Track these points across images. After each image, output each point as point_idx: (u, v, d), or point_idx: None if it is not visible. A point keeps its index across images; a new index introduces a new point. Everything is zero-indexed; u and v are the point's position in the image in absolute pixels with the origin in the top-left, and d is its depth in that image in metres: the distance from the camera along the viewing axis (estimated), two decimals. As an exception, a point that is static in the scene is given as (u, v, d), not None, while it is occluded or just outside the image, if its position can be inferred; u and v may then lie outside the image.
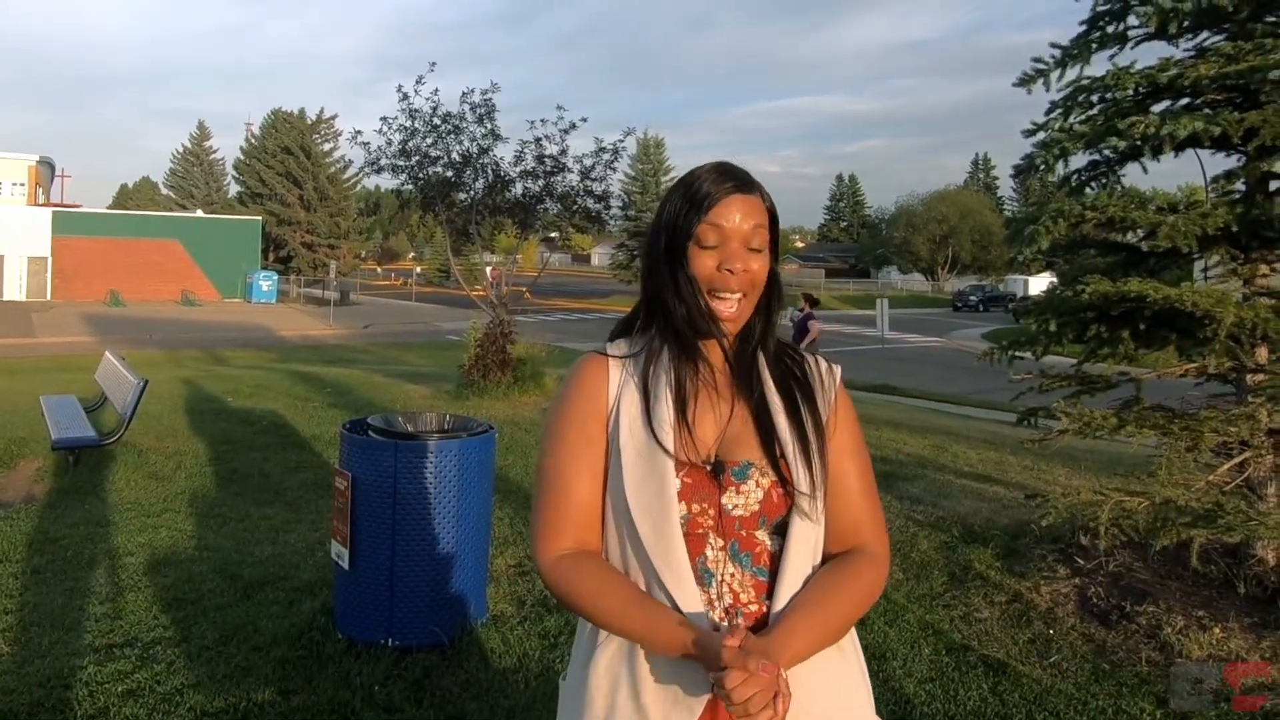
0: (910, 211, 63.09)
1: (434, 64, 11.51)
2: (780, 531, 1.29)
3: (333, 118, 57.11)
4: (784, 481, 1.29)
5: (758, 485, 1.29)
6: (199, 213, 51.41)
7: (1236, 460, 4.14)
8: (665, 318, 1.35)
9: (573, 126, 11.64)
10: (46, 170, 47.94)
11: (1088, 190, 4.97)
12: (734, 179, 1.33)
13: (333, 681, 3.26)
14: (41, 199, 45.42)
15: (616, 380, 1.34)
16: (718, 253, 1.30)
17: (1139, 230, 4.57)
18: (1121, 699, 3.26)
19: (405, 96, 11.38)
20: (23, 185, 43.79)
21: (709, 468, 1.29)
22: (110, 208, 59.10)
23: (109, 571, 4.42)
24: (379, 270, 70.32)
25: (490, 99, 11.58)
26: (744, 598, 1.28)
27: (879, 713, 3.06)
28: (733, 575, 1.27)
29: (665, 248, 1.34)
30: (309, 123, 56.32)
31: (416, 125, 11.55)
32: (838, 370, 1.43)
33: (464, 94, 11.53)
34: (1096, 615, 3.93)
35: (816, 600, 1.27)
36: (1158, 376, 4.66)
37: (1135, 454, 5.59)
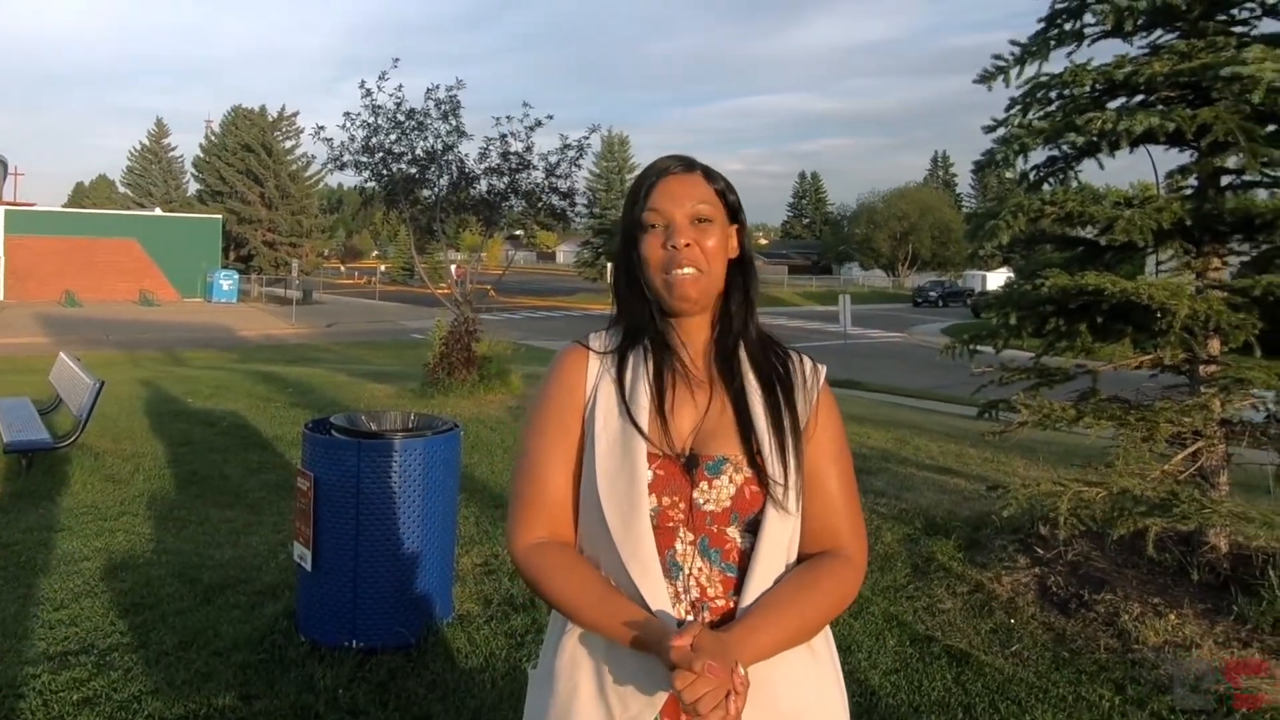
0: (871, 208, 63.75)
1: (397, 60, 11.41)
2: (752, 529, 1.28)
3: (294, 115, 56.47)
4: (760, 477, 1.28)
5: (730, 481, 1.28)
6: (157, 211, 50.49)
7: (1190, 450, 4.22)
8: (634, 308, 1.36)
9: (538, 124, 11.59)
10: (-2, 168, 46.84)
11: (1046, 186, 5.04)
12: (672, 162, 1.35)
13: (295, 685, 3.22)
14: (-7, 197, 44.34)
15: (595, 371, 1.35)
16: (662, 233, 1.31)
17: (1096, 225, 4.64)
18: (1081, 686, 3.31)
19: (369, 93, 11.27)
20: (-26, 183, 42.73)
21: (682, 461, 1.28)
22: (66, 206, 57.84)
23: (64, 577, 4.33)
24: (342, 269, 69.57)
25: (455, 95, 11.49)
26: (711, 592, 1.27)
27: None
28: (700, 570, 1.26)
29: (623, 242, 1.36)
30: (270, 120, 55.57)
31: (380, 121, 11.43)
32: (823, 370, 1.41)
33: (429, 90, 11.43)
34: (1056, 604, 3.99)
35: (785, 599, 1.27)
36: (1114, 369, 4.74)
37: (1092, 445, 5.69)
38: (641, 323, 1.35)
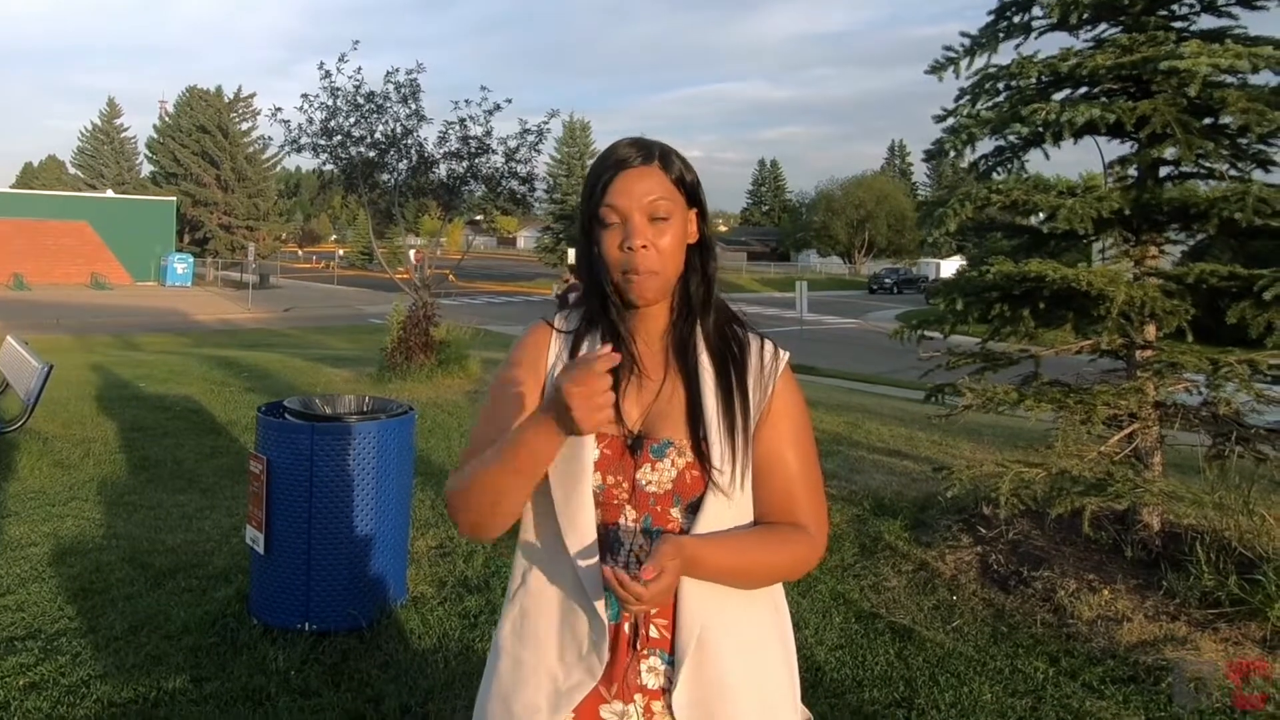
0: (829, 196, 64.25)
1: (357, 42, 11.30)
2: (694, 510, 1.29)
3: (251, 96, 55.49)
4: (703, 462, 1.29)
5: (673, 465, 1.29)
6: (109, 193, 49.40)
7: (1126, 431, 4.37)
8: (593, 299, 1.37)
9: (497, 108, 11.54)
10: (-60, 147, 45.42)
11: (994, 175, 5.15)
12: (630, 152, 1.32)
13: (247, 668, 3.24)
14: (-65, 178, 43.07)
15: (554, 351, 1.37)
16: (619, 231, 1.29)
17: (1041, 213, 4.76)
18: (1018, 659, 3.43)
19: (328, 74, 11.14)
20: (-86, 163, 41.46)
21: (628, 443, 1.31)
22: (13, 188, 56.35)
23: (10, 563, 4.28)
24: (300, 253, 68.60)
25: (415, 79, 11.41)
26: None
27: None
28: (642, 546, 1.29)
29: (581, 230, 1.36)
30: (226, 101, 54.54)
31: (339, 104, 11.31)
32: (785, 356, 1.40)
33: (388, 73, 11.33)
34: (996, 581, 4.12)
35: (734, 532, 1.29)
36: (1056, 353, 4.87)
37: (1035, 429, 5.84)
38: (599, 308, 1.36)
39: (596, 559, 1.27)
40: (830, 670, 3.35)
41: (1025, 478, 4.21)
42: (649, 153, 1.32)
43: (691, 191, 1.34)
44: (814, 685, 3.23)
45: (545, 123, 11.88)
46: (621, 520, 1.30)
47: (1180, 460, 4.89)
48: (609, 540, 1.29)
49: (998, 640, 3.59)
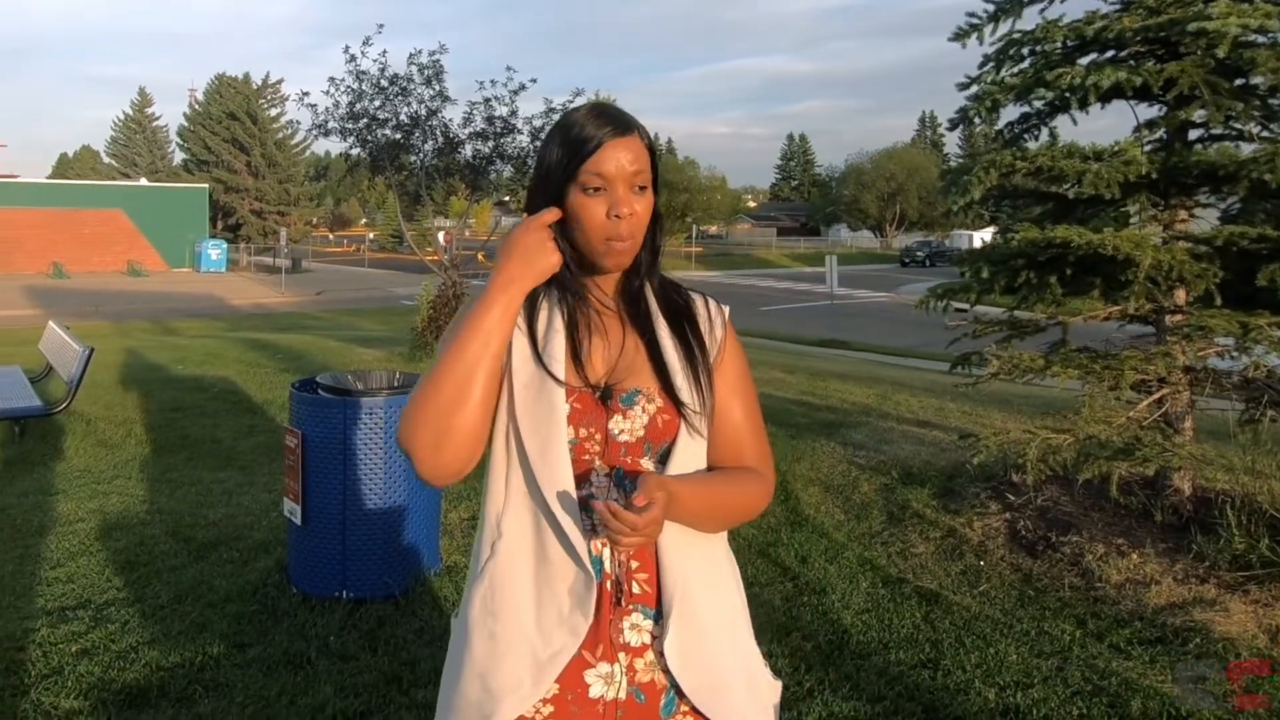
0: (859, 170, 63.59)
1: (381, 25, 11.34)
2: (663, 460, 1.33)
3: (278, 82, 55.88)
4: (672, 406, 1.32)
5: (644, 411, 1.32)
6: (143, 181, 50.08)
7: (1155, 397, 4.34)
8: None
9: (522, 87, 11.55)
10: (-21, 140, 46.26)
11: (1021, 142, 5.11)
12: (613, 122, 1.32)
13: (288, 634, 3.34)
14: (-25, 170, 43.90)
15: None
16: (604, 198, 1.29)
17: (1067, 179, 4.72)
18: (1045, 621, 3.45)
19: (353, 58, 11.21)
20: (-46, 156, 42.25)
21: (597, 394, 1.32)
22: (50, 178, 57.30)
23: (60, 537, 4.43)
24: (330, 237, 69.21)
25: (438, 60, 11.45)
26: None
27: (815, 645, 3.19)
28: (617, 500, 1.27)
29: (551, 190, 1.33)
30: (255, 88, 54.96)
31: (364, 87, 11.38)
32: (726, 309, 1.46)
33: (411, 55, 11.38)
34: (1024, 546, 4.13)
35: (704, 474, 1.34)
36: (1084, 321, 4.84)
37: (1067, 398, 5.81)
38: (560, 272, 1.34)
39: (577, 512, 1.27)
40: (856, 633, 3.40)
41: (1053, 444, 4.21)
42: (628, 123, 1.34)
43: (655, 164, 1.37)
44: (840, 647, 3.28)
45: (571, 102, 11.87)
46: (593, 478, 1.30)
47: (1214, 426, 4.86)
48: (582, 499, 1.29)
49: (1024, 604, 3.62)
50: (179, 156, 60.17)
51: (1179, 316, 4.40)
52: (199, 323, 20.59)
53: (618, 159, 1.29)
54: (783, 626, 3.46)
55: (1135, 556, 3.83)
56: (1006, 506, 4.46)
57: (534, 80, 11.69)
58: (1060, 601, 3.61)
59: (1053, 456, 4.21)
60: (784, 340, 17.84)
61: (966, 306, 5.02)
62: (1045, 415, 5.22)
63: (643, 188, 1.32)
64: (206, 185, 47.61)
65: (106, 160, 68.84)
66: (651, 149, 1.37)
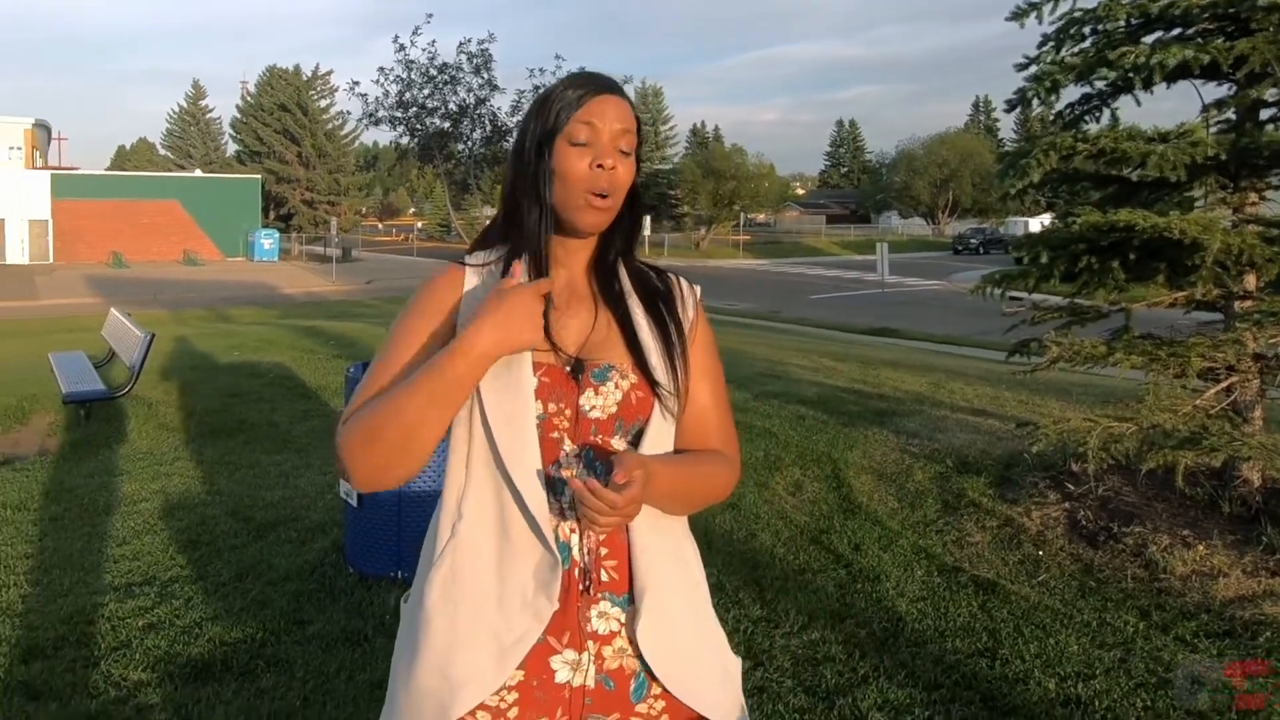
0: (911, 155, 62.57)
1: (431, 15, 11.44)
2: (635, 440, 1.29)
3: (328, 73, 56.67)
4: (646, 383, 1.29)
5: (617, 387, 1.28)
6: (198, 172, 51.15)
7: (1223, 385, 4.22)
8: (523, 225, 1.31)
9: (569, 74, 11.57)
10: (43, 133, 47.63)
11: (1081, 124, 4.98)
12: (603, 81, 1.31)
13: (345, 612, 3.40)
14: (39, 162, 45.19)
15: (472, 285, 1.31)
16: (590, 150, 1.26)
17: (1130, 162, 4.60)
18: (1106, 612, 3.38)
19: (402, 48, 11.35)
20: (20, 149, 43.54)
21: (568, 368, 1.27)
22: (108, 170, 58.76)
23: (125, 516, 4.55)
24: (380, 226, 70.13)
25: (487, 49, 11.54)
26: None
27: (870, 632, 3.16)
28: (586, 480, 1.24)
29: (533, 148, 1.29)
30: (305, 79, 55.77)
31: (413, 76, 11.52)
32: (697, 289, 1.43)
33: (460, 44, 11.48)
34: (1085, 537, 4.04)
35: (676, 455, 1.31)
36: (1147, 307, 4.72)
37: (1128, 388, 5.67)
38: (531, 234, 1.30)
39: (544, 491, 1.22)
40: (911, 621, 3.36)
41: (1115, 433, 4.11)
42: (618, 86, 1.32)
43: (639, 135, 1.34)
44: (895, 635, 3.25)
45: (618, 88, 11.87)
46: (562, 458, 1.25)
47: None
48: (552, 479, 1.24)
49: (1085, 594, 3.54)
50: (232, 148, 61.39)
51: (1249, 302, 4.26)
52: (253, 310, 20.99)
53: (605, 112, 1.27)
54: (836, 613, 3.43)
55: (1202, 548, 3.73)
56: (1066, 496, 4.37)
57: (582, 68, 11.70)
58: (1123, 593, 3.53)
59: (1115, 446, 4.11)
60: (833, 329, 17.69)
61: (1024, 295, 4.92)
62: (1106, 404, 5.10)
63: (626, 153, 1.30)
64: (259, 176, 48.50)
65: (162, 152, 70.41)
66: (639, 120, 1.34)
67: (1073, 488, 4.42)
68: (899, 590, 3.61)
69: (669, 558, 1.30)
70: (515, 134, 1.41)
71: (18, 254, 39.31)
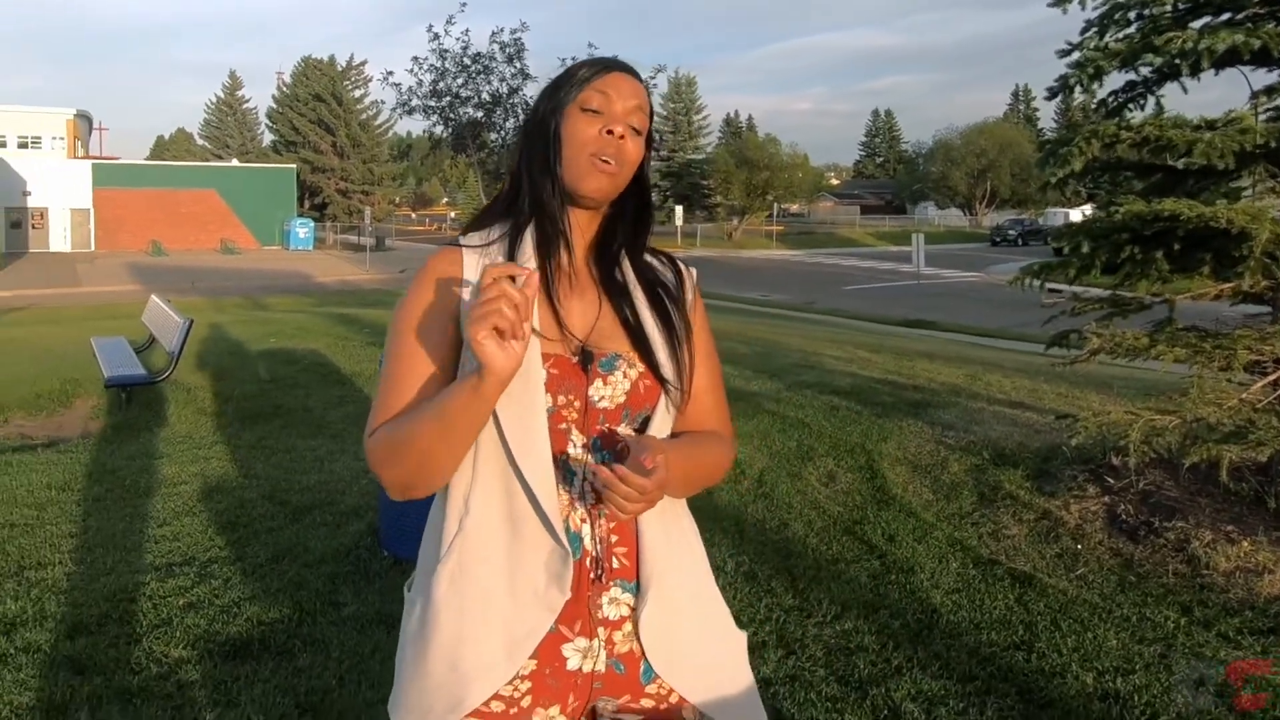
0: (948, 146, 61.74)
1: (465, 3, 11.47)
2: (641, 428, 1.29)
3: (362, 64, 57.05)
4: (653, 372, 1.28)
5: (625, 377, 1.27)
6: (234, 162, 51.77)
7: (1270, 378, 4.13)
8: (532, 194, 1.30)
9: (603, 63, 11.55)
10: (84, 124, 48.46)
11: (1125, 112, 4.89)
12: (619, 61, 1.32)
13: (380, 594, 3.43)
14: (81, 152, 45.99)
15: (472, 269, 1.27)
16: (600, 118, 1.26)
17: (1176, 150, 4.50)
18: (1146, 608, 3.32)
19: (436, 37, 11.39)
20: (62, 139, 44.35)
21: (576, 359, 1.25)
22: (148, 160, 59.63)
23: (165, 498, 4.63)
24: (413, 216, 70.63)
25: (520, 38, 11.55)
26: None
27: (904, 623, 3.15)
28: (594, 474, 1.22)
29: (542, 124, 1.30)
30: (339, 70, 56.20)
31: (447, 65, 11.56)
32: (694, 272, 1.43)
33: (494, 33, 11.49)
34: (1125, 531, 3.98)
35: (682, 438, 1.31)
36: (1192, 299, 4.62)
37: (1170, 381, 5.57)
38: (545, 206, 1.29)
39: (555, 485, 1.22)
40: (946, 613, 3.33)
41: (1157, 426, 4.03)
42: (632, 68, 1.33)
43: (651, 123, 1.34)
44: (929, 627, 3.22)
45: (651, 77, 11.85)
46: (570, 448, 1.24)
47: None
48: (562, 471, 1.23)
49: (1125, 589, 3.49)
50: (268, 138, 62.06)
51: (1298, 294, 4.16)
52: (289, 298, 21.23)
53: (621, 86, 1.28)
54: (869, 604, 3.41)
55: (1246, 544, 3.66)
56: (1106, 490, 4.31)
57: (615, 57, 11.68)
58: (1164, 588, 3.47)
59: (1157, 439, 4.04)
60: (868, 320, 17.56)
61: (1063, 287, 4.83)
62: (1148, 397, 5.02)
63: (637, 131, 1.29)
64: (294, 165, 48.99)
65: (200, 142, 71.35)
66: (652, 107, 1.34)
67: (1113, 481, 4.35)
68: (934, 582, 3.58)
69: (674, 541, 1.31)
70: (530, 111, 1.37)
71: (60, 242, 40.07)
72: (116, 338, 8.83)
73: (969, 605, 3.38)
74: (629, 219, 1.35)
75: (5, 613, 3.27)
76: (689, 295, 1.38)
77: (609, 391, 1.26)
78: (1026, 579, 3.60)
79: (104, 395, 6.99)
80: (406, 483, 1.21)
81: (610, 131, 1.25)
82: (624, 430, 1.27)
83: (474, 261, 1.28)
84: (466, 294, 1.25)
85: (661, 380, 1.28)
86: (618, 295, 1.31)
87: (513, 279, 1.09)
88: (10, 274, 30.09)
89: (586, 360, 1.25)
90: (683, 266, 1.41)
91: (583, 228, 1.33)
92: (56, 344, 10.37)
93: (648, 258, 1.38)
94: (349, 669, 2.90)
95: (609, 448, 1.25)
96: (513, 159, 1.36)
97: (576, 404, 1.24)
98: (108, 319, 15.00)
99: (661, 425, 1.30)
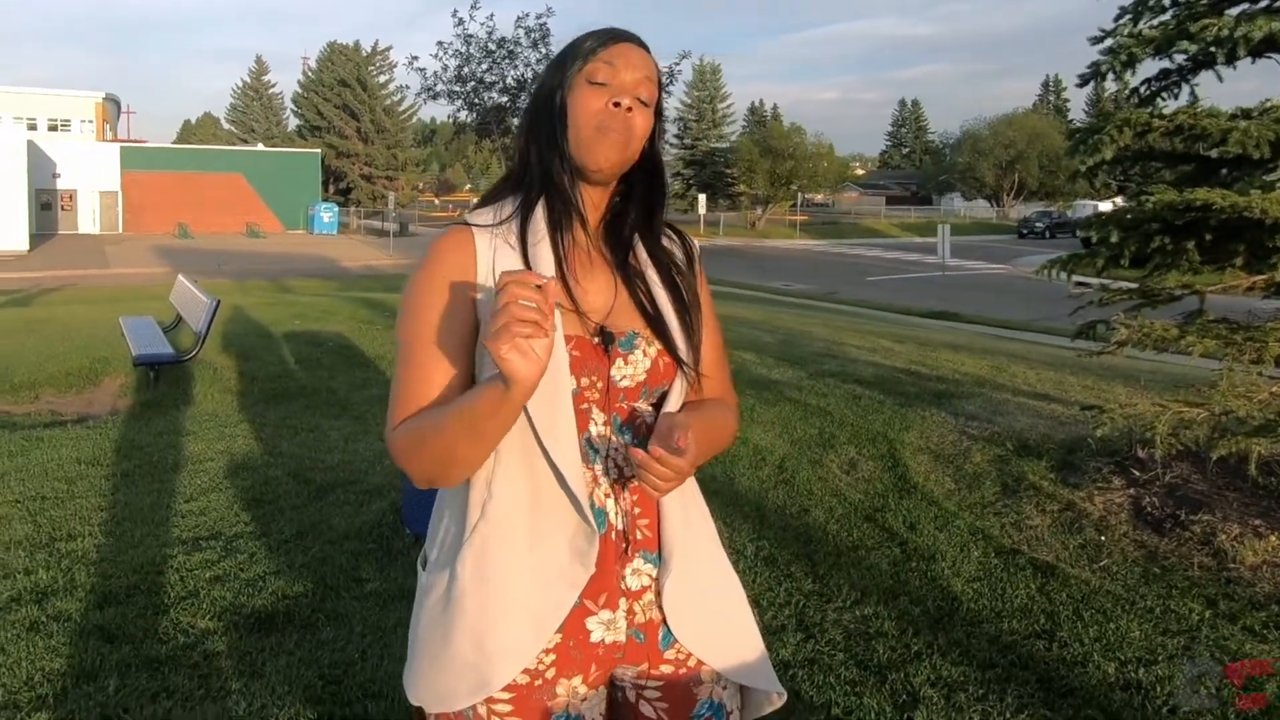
0: (975, 136, 61.04)
1: (489, -13, 11.46)
2: (658, 402, 1.30)
3: (387, 49, 57.20)
4: (669, 349, 1.29)
5: (644, 355, 1.27)
6: (260, 146, 52.09)
7: (1302, 372, 4.07)
8: (542, 168, 1.28)
9: (628, 49, 11.53)
10: (113, 107, 48.92)
11: (1159, 100, 4.82)
12: (625, 31, 1.30)
13: (401, 571, 3.46)
14: (109, 135, 46.44)
15: (485, 250, 1.26)
16: (607, 90, 1.24)
17: (1210, 139, 4.44)
18: (1170, 599, 3.30)
19: (460, 22, 11.40)
20: (91, 122, 44.81)
21: (596, 339, 1.25)
22: (174, 143, 60.16)
23: (192, 475, 4.69)
24: (436, 201, 70.81)
25: (545, 23, 11.54)
26: (628, 472, 1.26)
27: (924, 610, 3.14)
28: (617, 450, 1.26)
29: (549, 99, 1.28)
30: (364, 55, 56.36)
31: (471, 51, 11.58)
32: (696, 244, 1.44)
33: (519, 18, 11.48)
34: (1150, 523, 3.95)
35: (692, 410, 1.32)
36: (1224, 290, 4.56)
37: (1200, 374, 5.52)
38: (547, 176, 1.28)
39: (581, 466, 1.22)
40: (967, 601, 3.31)
41: (1185, 418, 3.99)
42: (639, 38, 1.30)
43: (660, 100, 1.31)
44: (950, 614, 3.21)
45: (676, 65, 11.83)
46: (592, 427, 1.25)
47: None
48: (584, 450, 1.24)
49: (1149, 581, 3.46)
50: (293, 122, 62.36)
51: (1333, 286, 4.10)
52: (313, 282, 21.38)
53: (629, 56, 1.26)
54: (889, 590, 3.40)
55: (1274, 538, 3.62)
56: (1131, 482, 4.27)
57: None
58: (1189, 580, 3.44)
59: (1184, 432, 4.00)
60: (891, 311, 17.46)
61: (1091, 280, 4.78)
62: (1176, 390, 4.96)
63: (645, 103, 1.27)
64: (319, 150, 49.23)
65: (226, 126, 71.83)
66: (660, 78, 1.31)
67: (1139, 474, 4.31)
68: (954, 570, 3.57)
69: (690, 511, 1.34)
70: (535, 87, 1.35)
71: (89, 224, 40.54)
72: (145, 317, 8.93)
73: (990, 594, 3.37)
74: (640, 196, 1.34)
75: (37, 582, 3.33)
76: (696, 267, 1.40)
77: (630, 370, 1.27)
78: (1049, 569, 3.58)
79: (132, 374, 7.08)
80: (431, 477, 1.21)
81: (617, 104, 1.24)
82: (643, 406, 1.29)
83: (486, 242, 1.26)
84: (482, 279, 1.23)
85: (679, 362, 1.29)
86: (633, 277, 1.31)
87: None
88: (40, 255, 30.50)
89: (608, 341, 1.25)
90: (687, 238, 1.42)
91: (595, 203, 1.31)
92: (86, 324, 10.50)
93: (662, 239, 1.38)
94: (371, 643, 2.93)
95: (630, 424, 1.27)
96: (520, 136, 1.34)
97: (599, 384, 1.25)
98: (136, 300, 15.16)
99: (677, 401, 1.31)
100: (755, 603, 3.28)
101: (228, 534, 3.86)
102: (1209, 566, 3.55)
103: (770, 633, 3.02)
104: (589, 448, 1.24)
